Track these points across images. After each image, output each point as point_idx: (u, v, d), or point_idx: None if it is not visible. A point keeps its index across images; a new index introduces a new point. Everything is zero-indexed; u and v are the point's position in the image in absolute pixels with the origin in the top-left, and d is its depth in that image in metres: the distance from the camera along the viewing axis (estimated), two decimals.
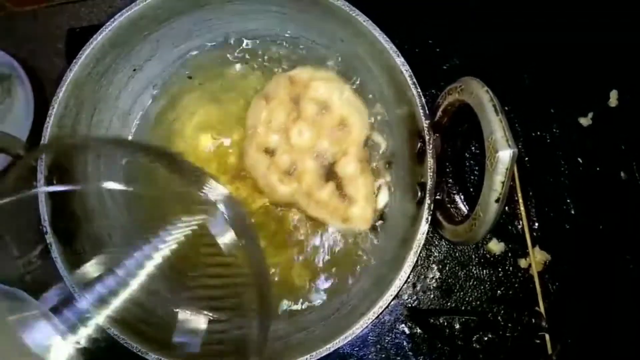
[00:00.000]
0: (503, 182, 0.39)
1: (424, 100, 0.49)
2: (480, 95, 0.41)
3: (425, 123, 0.49)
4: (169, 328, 0.55)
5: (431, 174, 0.49)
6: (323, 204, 0.56)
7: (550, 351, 0.59)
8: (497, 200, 0.40)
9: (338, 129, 0.57)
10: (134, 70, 0.59)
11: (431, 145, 0.49)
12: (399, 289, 0.49)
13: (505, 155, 0.39)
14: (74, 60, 0.53)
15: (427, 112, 0.49)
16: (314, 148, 0.57)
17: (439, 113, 0.49)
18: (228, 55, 0.63)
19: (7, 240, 0.57)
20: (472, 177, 0.63)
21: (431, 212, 0.48)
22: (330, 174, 0.57)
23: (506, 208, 0.62)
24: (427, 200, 0.48)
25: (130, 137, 0.62)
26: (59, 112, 0.53)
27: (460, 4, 0.67)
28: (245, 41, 0.62)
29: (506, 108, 0.62)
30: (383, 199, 0.58)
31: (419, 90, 0.50)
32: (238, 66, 0.63)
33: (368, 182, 0.57)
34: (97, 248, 0.56)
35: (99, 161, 0.59)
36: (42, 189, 0.52)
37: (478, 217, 0.42)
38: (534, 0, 0.66)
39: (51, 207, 0.52)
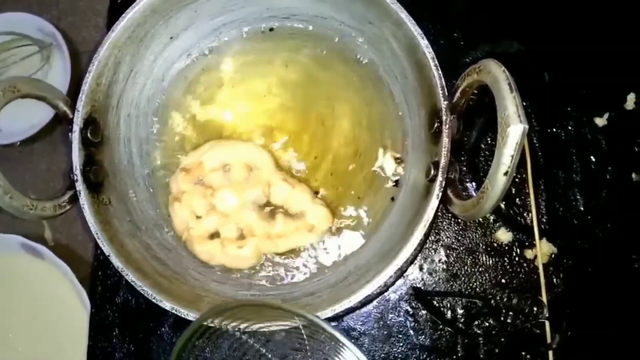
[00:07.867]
0: (512, 156, 0.40)
1: (444, 81, 0.52)
2: (496, 74, 0.43)
3: (443, 104, 0.51)
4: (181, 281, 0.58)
5: (445, 152, 0.50)
6: (285, 234, 0.60)
7: (549, 341, 0.60)
8: (505, 174, 0.41)
9: (250, 174, 0.61)
10: (171, 38, 0.62)
11: (447, 126, 0.51)
12: (405, 261, 0.50)
13: (516, 129, 0.40)
14: (116, 22, 0.56)
15: (446, 93, 0.51)
16: (245, 202, 0.60)
17: (457, 94, 0.51)
18: (259, 32, 0.66)
19: None
20: (486, 167, 0.64)
21: (442, 189, 0.50)
22: (272, 209, 0.61)
23: (517, 200, 0.64)
24: (439, 178, 0.50)
25: (161, 102, 0.66)
26: (98, 69, 0.56)
27: (487, 1, 0.69)
28: (276, 19, 0.65)
29: (525, 103, 0.64)
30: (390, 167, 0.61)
31: (440, 72, 0.52)
32: (268, 43, 0.65)
33: (302, 189, 0.60)
34: (120, 202, 0.59)
35: (130, 121, 0.62)
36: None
37: (486, 190, 0.43)
38: (558, 2, 0.68)
39: (83, 158, 0.55)
